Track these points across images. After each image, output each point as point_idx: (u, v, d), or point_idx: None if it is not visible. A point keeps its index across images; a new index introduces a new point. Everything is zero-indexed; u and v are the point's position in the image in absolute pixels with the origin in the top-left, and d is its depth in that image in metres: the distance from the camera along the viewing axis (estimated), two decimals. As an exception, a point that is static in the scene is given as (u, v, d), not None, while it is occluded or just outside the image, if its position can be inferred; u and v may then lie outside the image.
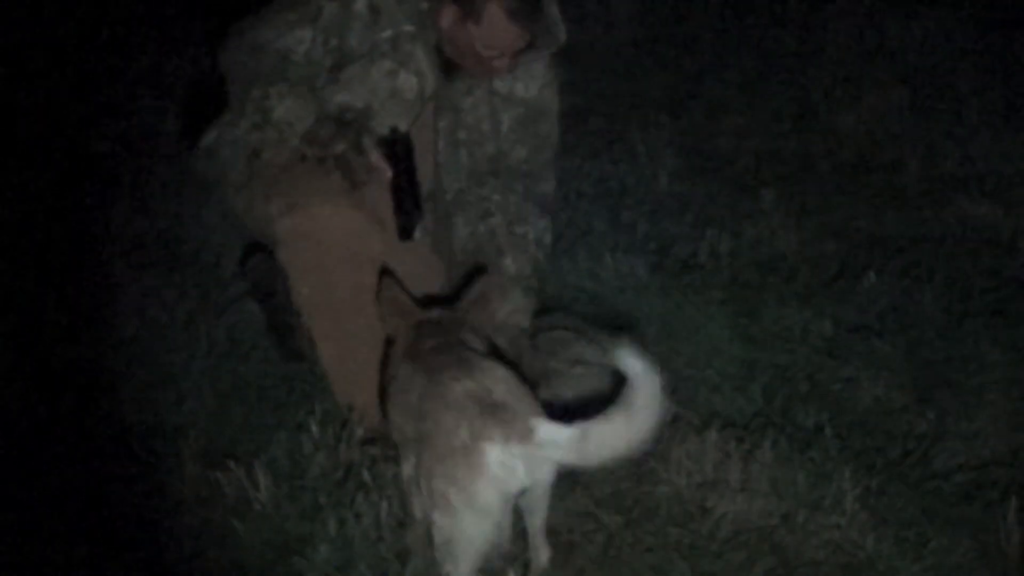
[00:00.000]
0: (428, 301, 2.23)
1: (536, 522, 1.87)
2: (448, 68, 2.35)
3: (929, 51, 4.19)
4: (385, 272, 2.16)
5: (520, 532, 1.96)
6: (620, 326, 2.60)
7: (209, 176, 2.36)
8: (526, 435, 1.61)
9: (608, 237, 3.01)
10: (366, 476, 2.10)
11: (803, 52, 4.31)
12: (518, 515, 1.84)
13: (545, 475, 1.71)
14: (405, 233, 2.17)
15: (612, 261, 2.85)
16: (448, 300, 2.21)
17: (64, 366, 2.53)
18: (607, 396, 1.60)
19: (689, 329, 2.61)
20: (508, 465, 1.63)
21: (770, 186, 3.32)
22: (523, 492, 1.70)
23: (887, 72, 4.08)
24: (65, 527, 2.07)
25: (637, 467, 2.15)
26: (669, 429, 2.25)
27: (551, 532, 2.00)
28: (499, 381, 1.73)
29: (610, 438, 1.58)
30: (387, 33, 2.26)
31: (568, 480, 2.13)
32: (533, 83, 2.45)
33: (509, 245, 2.43)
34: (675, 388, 2.42)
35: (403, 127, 2.29)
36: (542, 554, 1.90)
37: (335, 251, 2.16)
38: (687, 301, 2.72)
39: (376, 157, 2.17)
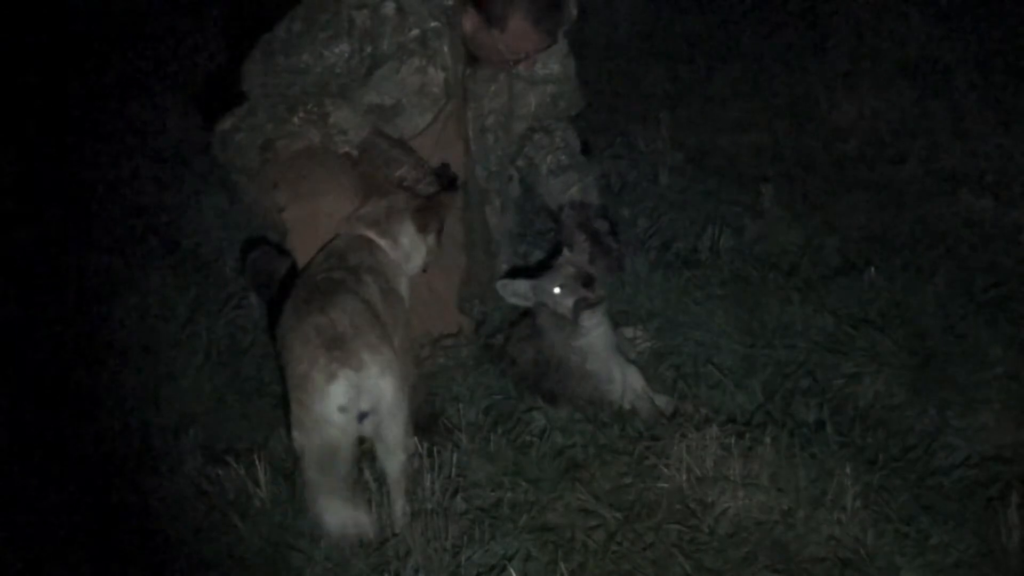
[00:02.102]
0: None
1: (389, 469, 1.99)
2: (471, 58, 2.39)
3: (930, 46, 4.18)
4: None
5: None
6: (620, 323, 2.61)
7: (223, 161, 2.43)
8: (357, 365, 1.85)
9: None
10: (366, 472, 2.10)
11: (803, 47, 4.31)
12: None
13: (383, 406, 1.90)
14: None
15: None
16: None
17: (64, 362, 2.52)
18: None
19: (690, 324, 2.61)
20: (343, 390, 1.84)
21: (771, 181, 3.32)
22: (367, 418, 1.90)
23: (888, 67, 4.07)
24: (66, 523, 2.06)
25: (638, 463, 2.15)
26: (670, 424, 2.25)
27: (551, 528, 2.00)
28: (345, 315, 1.91)
29: None
30: (415, 32, 2.29)
31: (568, 476, 2.13)
32: (553, 60, 2.49)
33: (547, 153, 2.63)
34: (676, 383, 2.42)
35: (428, 120, 2.33)
36: (397, 507, 2.00)
37: None
38: (688, 296, 2.72)
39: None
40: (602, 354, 2.37)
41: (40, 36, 4.28)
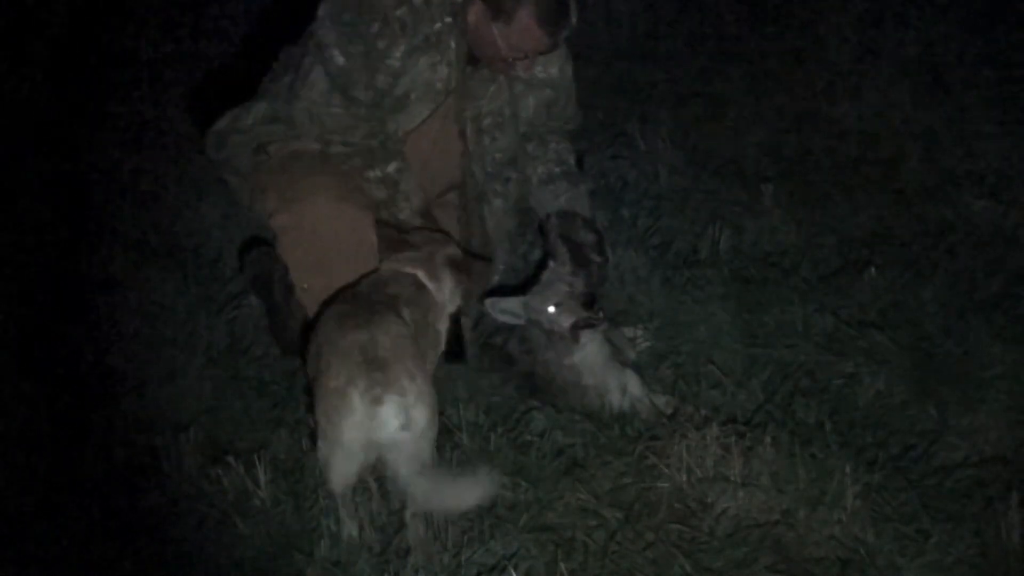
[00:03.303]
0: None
1: (411, 490, 1.90)
2: (471, 58, 2.39)
3: (930, 46, 4.18)
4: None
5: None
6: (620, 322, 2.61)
7: (216, 161, 2.43)
8: (400, 391, 1.81)
9: (609, 232, 3.00)
10: (369, 481, 2.09)
11: (804, 47, 4.30)
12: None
13: (414, 432, 1.85)
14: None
15: (613, 256, 2.84)
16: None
17: (65, 362, 2.52)
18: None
19: (690, 324, 2.61)
20: (374, 413, 1.80)
21: (771, 181, 3.31)
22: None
23: (888, 67, 4.06)
24: (65, 523, 2.06)
25: (638, 463, 2.15)
26: (670, 424, 2.25)
27: (551, 528, 2.00)
28: (388, 337, 1.88)
29: None
30: (436, 26, 2.28)
31: (568, 476, 2.13)
32: (552, 64, 2.49)
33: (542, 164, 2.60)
34: (676, 383, 2.42)
35: (424, 115, 2.36)
36: (413, 530, 1.96)
37: (332, 244, 2.19)
38: (688, 296, 2.72)
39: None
40: (597, 367, 2.33)
41: (41, 34, 4.27)
